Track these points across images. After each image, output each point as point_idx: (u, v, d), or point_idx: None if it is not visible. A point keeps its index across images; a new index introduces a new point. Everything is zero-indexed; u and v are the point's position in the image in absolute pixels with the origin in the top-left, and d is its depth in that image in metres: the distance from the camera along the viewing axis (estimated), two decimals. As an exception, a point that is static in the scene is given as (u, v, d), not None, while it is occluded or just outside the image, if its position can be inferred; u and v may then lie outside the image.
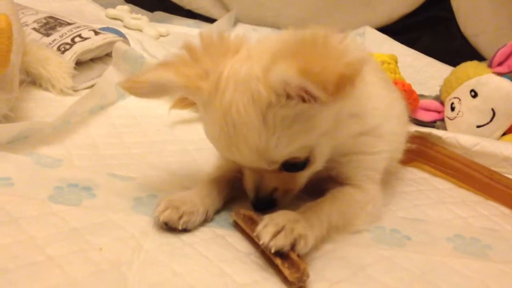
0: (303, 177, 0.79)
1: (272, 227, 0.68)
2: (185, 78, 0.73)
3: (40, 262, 0.65)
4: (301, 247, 0.68)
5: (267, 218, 0.71)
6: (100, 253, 0.68)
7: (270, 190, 0.77)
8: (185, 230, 0.75)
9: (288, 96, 0.67)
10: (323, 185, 0.84)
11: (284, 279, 0.67)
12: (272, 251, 0.67)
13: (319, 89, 0.62)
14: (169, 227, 0.75)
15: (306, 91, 0.65)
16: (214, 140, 0.76)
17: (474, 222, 0.91)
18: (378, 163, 0.87)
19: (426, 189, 1.02)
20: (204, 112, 0.75)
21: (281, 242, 0.67)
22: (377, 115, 0.84)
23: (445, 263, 0.77)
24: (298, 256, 0.68)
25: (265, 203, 0.77)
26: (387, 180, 0.97)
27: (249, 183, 0.79)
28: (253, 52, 0.73)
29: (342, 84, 0.63)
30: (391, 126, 0.87)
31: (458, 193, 1.02)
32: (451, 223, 0.89)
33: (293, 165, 0.75)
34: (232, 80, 0.71)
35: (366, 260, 0.75)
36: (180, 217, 0.75)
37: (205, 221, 0.78)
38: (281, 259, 0.67)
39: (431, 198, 0.98)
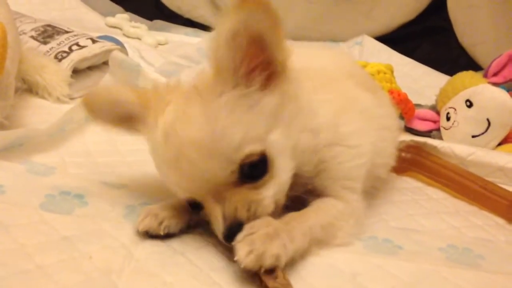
0: (269, 191, 0.72)
1: (246, 245, 0.66)
2: (144, 99, 0.76)
3: (29, 270, 0.65)
4: (271, 264, 0.66)
5: (247, 229, 0.68)
6: (90, 262, 0.68)
7: (233, 211, 0.70)
8: (170, 235, 0.75)
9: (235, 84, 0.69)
10: (304, 201, 0.82)
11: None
12: (242, 267, 0.65)
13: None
14: (151, 235, 0.74)
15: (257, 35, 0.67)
16: (165, 176, 0.74)
17: (467, 232, 0.90)
18: (352, 172, 0.84)
19: (420, 198, 1.02)
20: (151, 150, 0.75)
21: (252, 264, 0.65)
22: (341, 123, 0.82)
23: (437, 272, 0.77)
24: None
25: (234, 231, 0.69)
26: (381, 188, 0.97)
27: (212, 213, 0.72)
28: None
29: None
30: (363, 135, 0.84)
31: (452, 203, 1.02)
32: (444, 233, 0.89)
33: (252, 168, 0.70)
34: (170, 111, 0.72)
35: (357, 268, 0.75)
36: (161, 223, 0.74)
37: (189, 226, 0.77)
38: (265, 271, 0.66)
39: (425, 208, 0.98)
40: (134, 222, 0.78)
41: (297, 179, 0.78)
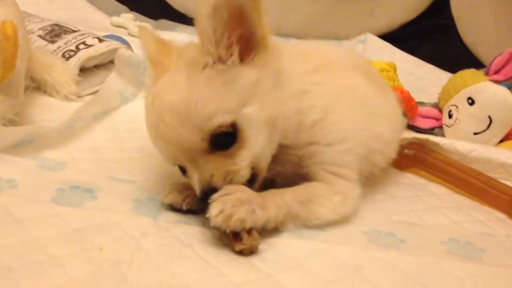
0: (243, 161, 0.76)
1: (219, 205, 0.72)
2: (154, 57, 0.82)
3: (42, 261, 0.67)
4: (235, 227, 0.72)
5: (223, 190, 0.74)
6: (100, 253, 0.70)
7: (208, 177, 0.76)
8: (191, 212, 0.81)
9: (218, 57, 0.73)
10: (297, 183, 0.85)
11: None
12: (211, 225, 0.72)
13: None
14: (174, 209, 0.81)
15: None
16: (150, 135, 0.80)
17: (468, 227, 0.92)
18: (342, 157, 0.85)
19: (422, 194, 1.03)
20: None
21: (220, 223, 0.72)
22: (331, 110, 0.84)
23: (439, 265, 0.78)
24: (249, 231, 0.74)
25: (207, 194, 0.76)
26: (377, 174, 0.98)
27: (192, 178, 0.78)
28: None
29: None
30: (341, 115, 0.85)
31: (454, 198, 1.03)
32: (446, 227, 0.91)
33: (222, 138, 0.74)
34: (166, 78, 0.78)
35: (361, 261, 0.76)
36: (184, 199, 0.81)
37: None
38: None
39: (427, 203, 0.99)
40: (142, 215, 0.80)
41: (285, 156, 0.83)
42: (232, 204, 0.73)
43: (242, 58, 0.75)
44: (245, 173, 0.77)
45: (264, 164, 0.80)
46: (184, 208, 0.81)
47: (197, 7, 0.73)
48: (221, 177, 0.76)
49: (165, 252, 0.73)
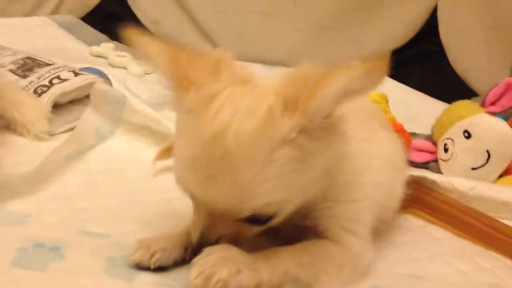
0: (259, 229, 0.71)
1: (199, 266, 0.65)
2: (177, 70, 0.66)
3: None
4: None
5: (206, 251, 0.67)
6: (64, 328, 0.61)
7: (216, 237, 0.69)
8: (161, 269, 0.72)
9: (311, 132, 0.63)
10: (300, 236, 0.77)
11: None
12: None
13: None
14: (142, 268, 0.72)
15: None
16: (185, 167, 0.66)
17: (475, 277, 0.85)
18: (356, 213, 0.78)
19: (423, 238, 0.96)
20: (182, 127, 0.68)
21: (199, 285, 0.64)
22: (353, 164, 0.77)
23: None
24: None
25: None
26: (382, 229, 0.91)
27: (197, 224, 0.70)
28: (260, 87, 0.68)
29: None
30: (370, 176, 0.80)
31: (456, 243, 0.96)
32: (451, 279, 0.83)
33: (257, 220, 0.68)
34: (231, 103, 0.64)
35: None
36: (152, 255, 0.72)
37: (184, 260, 0.74)
38: None
39: (429, 250, 0.92)
40: (116, 277, 0.71)
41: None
42: (213, 264, 0.65)
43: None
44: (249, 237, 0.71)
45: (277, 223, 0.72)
46: (152, 267, 0.71)
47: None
48: (228, 241, 0.69)
49: (141, 322, 0.64)
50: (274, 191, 0.64)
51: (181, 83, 0.67)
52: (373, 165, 0.81)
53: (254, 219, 0.68)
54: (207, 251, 0.67)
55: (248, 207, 0.65)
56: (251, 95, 0.65)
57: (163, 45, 0.69)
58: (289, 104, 0.62)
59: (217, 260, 0.65)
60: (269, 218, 0.68)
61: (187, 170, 0.66)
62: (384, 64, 0.62)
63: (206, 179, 0.64)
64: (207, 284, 0.64)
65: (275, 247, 0.73)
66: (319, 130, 0.64)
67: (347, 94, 0.62)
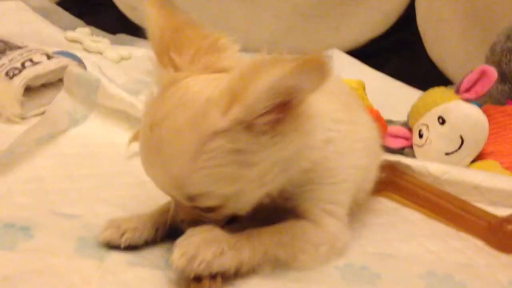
0: (217, 217, 0.71)
1: (182, 248, 0.64)
2: (163, 48, 0.68)
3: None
4: (201, 270, 0.64)
5: (188, 233, 0.66)
6: (33, 306, 0.60)
7: (180, 220, 0.72)
8: (131, 248, 0.72)
9: (248, 126, 0.61)
10: (280, 217, 0.77)
11: None
12: (173, 269, 0.65)
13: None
14: (112, 247, 0.72)
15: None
16: (140, 150, 0.68)
17: (446, 257, 0.86)
18: (337, 195, 0.79)
19: (396, 220, 0.97)
20: (148, 103, 0.68)
21: (182, 266, 0.64)
22: (332, 151, 0.77)
23: (418, 305, 0.72)
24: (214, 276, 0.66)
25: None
26: (356, 211, 0.92)
27: (170, 206, 0.73)
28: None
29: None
30: (352, 159, 0.80)
31: (428, 224, 0.97)
32: (422, 258, 0.84)
33: (208, 209, 0.69)
34: (182, 93, 0.64)
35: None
36: (122, 234, 0.72)
37: (155, 240, 0.75)
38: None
39: (402, 231, 0.93)
40: (87, 257, 0.71)
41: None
42: (196, 245, 0.65)
43: (278, 123, 0.64)
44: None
45: (243, 213, 0.72)
46: (122, 246, 0.72)
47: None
48: (190, 225, 0.69)
49: (111, 300, 0.64)
50: (206, 182, 0.64)
51: (163, 61, 0.68)
52: (355, 148, 0.81)
53: (205, 208, 0.68)
54: (189, 232, 0.66)
55: (182, 196, 0.66)
56: (203, 85, 0.65)
57: (168, 18, 0.69)
58: (232, 96, 0.61)
59: (200, 241, 0.65)
60: (218, 207, 0.69)
61: (140, 153, 0.68)
62: (319, 63, 0.59)
63: (148, 164, 0.67)
64: (190, 264, 0.63)
65: (257, 228, 0.73)
66: (263, 124, 0.62)
67: (282, 89, 0.60)
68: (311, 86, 0.62)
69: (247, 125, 0.61)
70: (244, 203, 0.70)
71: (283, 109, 0.63)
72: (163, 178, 0.66)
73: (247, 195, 0.68)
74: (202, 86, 0.65)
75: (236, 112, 0.60)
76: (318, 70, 0.60)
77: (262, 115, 0.61)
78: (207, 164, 0.62)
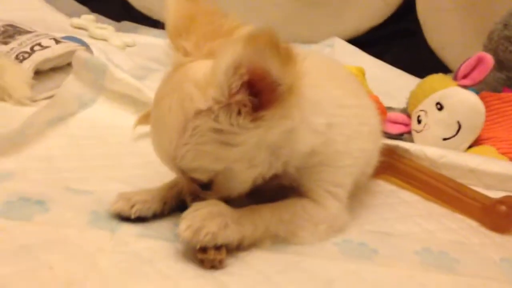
0: (216, 195, 0.74)
1: (188, 221, 0.68)
2: (176, 32, 0.74)
3: (-16, 282, 0.60)
4: (207, 241, 0.68)
5: (193, 207, 0.70)
6: (50, 272, 0.64)
7: (185, 194, 0.77)
8: (141, 219, 0.76)
9: (225, 106, 0.65)
10: (284, 195, 0.81)
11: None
12: (180, 240, 0.69)
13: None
14: (123, 218, 0.76)
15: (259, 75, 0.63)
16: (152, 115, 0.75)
17: (441, 236, 0.89)
18: (342, 178, 0.82)
19: (394, 202, 1.01)
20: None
21: (188, 237, 0.67)
22: (338, 133, 0.80)
23: (413, 277, 0.75)
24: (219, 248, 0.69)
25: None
26: (355, 193, 0.95)
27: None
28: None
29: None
30: (359, 143, 0.83)
31: (425, 205, 1.01)
32: (418, 236, 0.88)
33: (203, 185, 0.73)
34: (183, 75, 0.70)
35: (332, 274, 0.72)
36: (132, 206, 0.76)
37: (163, 213, 0.79)
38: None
39: (399, 211, 0.96)
40: (99, 228, 0.74)
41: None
42: (202, 218, 0.68)
43: (260, 109, 0.66)
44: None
45: (240, 193, 0.76)
46: (132, 216, 0.76)
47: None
48: (195, 200, 0.73)
49: (123, 269, 0.67)
50: (192, 157, 0.68)
51: (176, 46, 0.74)
52: (362, 131, 0.84)
53: (201, 184, 0.73)
54: (195, 206, 0.70)
55: (176, 168, 0.72)
56: (198, 69, 0.69)
57: (185, 6, 0.75)
58: (211, 78, 0.65)
59: (206, 214, 0.69)
60: (206, 184, 0.73)
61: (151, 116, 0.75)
62: (264, 38, 0.60)
63: (152, 135, 0.73)
64: (196, 236, 0.67)
65: (259, 204, 0.77)
66: (239, 106, 0.65)
67: (242, 67, 0.62)
68: (274, 66, 0.62)
69: (225, 106, 0.65)
70: (237, 183, 0.73)
71: (258, 92, 0.65)
72: (160, 149, 0.72)
73: (238, 175, 0.72)
74: (196, 70, 0.70)
75: (212, 92, 0.65)
76: (268, 46, 0.61)
77: (234, 95, 0.64)
78: (191, 141, 0.67)
